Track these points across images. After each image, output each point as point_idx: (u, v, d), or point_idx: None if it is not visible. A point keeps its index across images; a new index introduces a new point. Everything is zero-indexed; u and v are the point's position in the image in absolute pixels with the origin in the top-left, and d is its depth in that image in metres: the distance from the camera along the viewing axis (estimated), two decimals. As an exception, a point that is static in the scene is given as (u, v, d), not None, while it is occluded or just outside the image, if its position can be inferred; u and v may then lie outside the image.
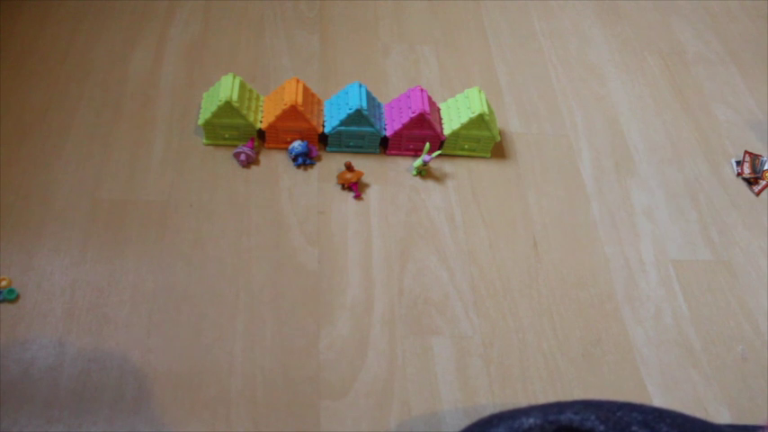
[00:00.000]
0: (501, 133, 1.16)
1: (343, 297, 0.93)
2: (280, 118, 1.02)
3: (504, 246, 1.01)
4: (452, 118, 1.07)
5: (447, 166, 1.10)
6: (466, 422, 0.82)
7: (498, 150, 1.13)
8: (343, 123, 1.03)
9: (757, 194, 1.14)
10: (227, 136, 1.06)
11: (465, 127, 1.05)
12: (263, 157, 1.07)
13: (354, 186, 1.03)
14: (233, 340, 0.87)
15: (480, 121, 1.04)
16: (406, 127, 1.04)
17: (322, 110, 1.08)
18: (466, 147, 1.10)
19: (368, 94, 1.05)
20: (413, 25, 1.33)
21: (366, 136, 1.06)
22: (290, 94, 1.02)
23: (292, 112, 1.02)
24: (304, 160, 1.05)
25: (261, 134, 1.07)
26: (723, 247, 1.06)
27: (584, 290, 0.98)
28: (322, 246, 0.97)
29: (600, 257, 1.02)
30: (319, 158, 1.08)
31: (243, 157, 1.04)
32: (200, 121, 1.03)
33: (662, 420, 0.52)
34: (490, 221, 1.04)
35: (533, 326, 0.93)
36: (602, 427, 0.51)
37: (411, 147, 1.08)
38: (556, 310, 0.95)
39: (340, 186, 1.04)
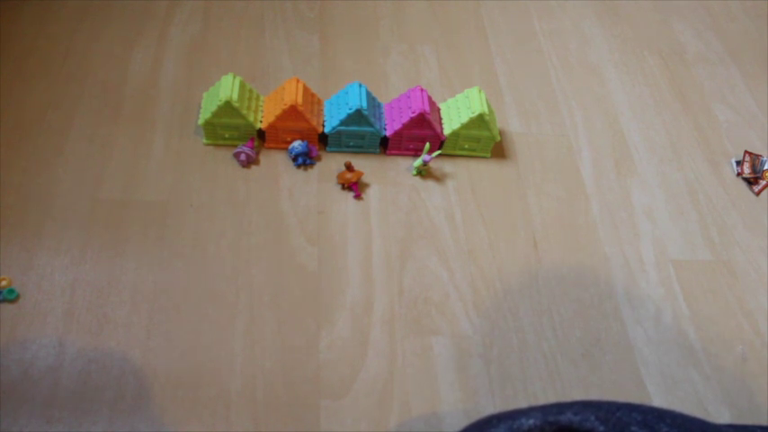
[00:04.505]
0: (501, 133, 1.16)
1: (343, 297, 0.93)
2: (280, 118, 1.02)
3: (504, 246, 1.01)
4: (452, 118, 1.07)
5: (447, 166, 1.10)
6: (466, 422, 0.82)
7: (498, 150, 1.13)
8: (343, 123, 1.03)
9: (757, 194, 1.14)
10: (227, 136, 1.06)
11: (465, 127, 1.05)
12: (263, 157, 1.07)
13: (354, 186, 1.03)
14: (233, 340, 0.87)
15: (480, 121, 1.04)
16: (406, 127, 1.04)
17: (322, 110, 1.08)
18: (466, 147, 1.10)
19: (368, 94, 1.05)
20: (413, 25, 1.33)
21: (366, 136, 1.06)
22: (290, 94, 1.02)
23: (292, 112, 1.02)
24: (304, 160, 1.05)
25: (261, 134, 1.07)
26: (723, 247, 1.06)
27: (584, 290, 0.98)
28: (322, 246, 0.97)
29: (600, 257, 1.02)
30: (319, 158, 1.08)
31: (243, 156, 1.04)
32: (201, 121, 1.03)
33: (662, 420, 0.52)
34: (490, 221, 1.04)
35: (533, 326, 0.93)
36: (602, 428, 0.51)
37: (411, 147, 1.08)
38: (556, 310, 0.95)
39: (340, 186, 1.04)
